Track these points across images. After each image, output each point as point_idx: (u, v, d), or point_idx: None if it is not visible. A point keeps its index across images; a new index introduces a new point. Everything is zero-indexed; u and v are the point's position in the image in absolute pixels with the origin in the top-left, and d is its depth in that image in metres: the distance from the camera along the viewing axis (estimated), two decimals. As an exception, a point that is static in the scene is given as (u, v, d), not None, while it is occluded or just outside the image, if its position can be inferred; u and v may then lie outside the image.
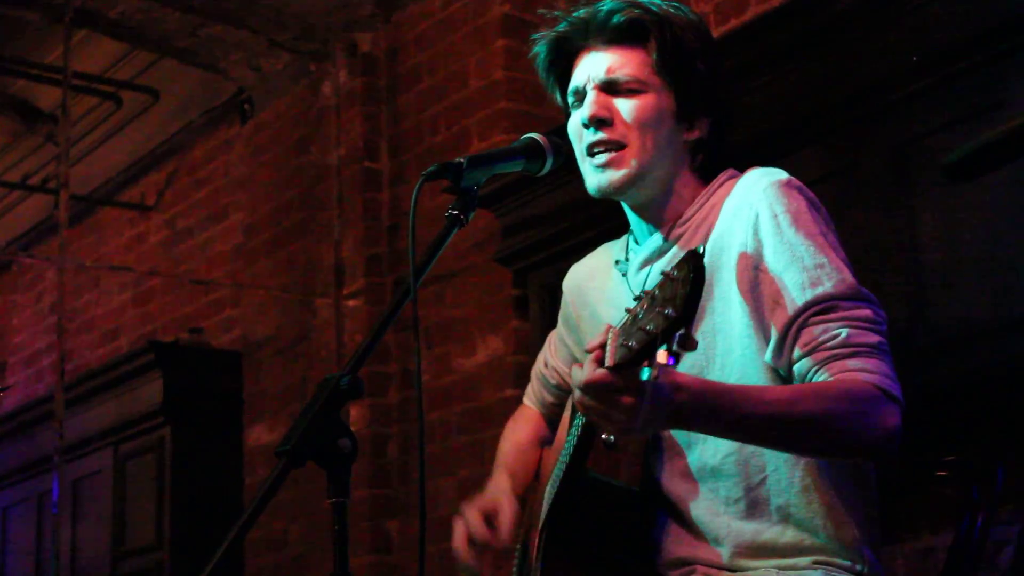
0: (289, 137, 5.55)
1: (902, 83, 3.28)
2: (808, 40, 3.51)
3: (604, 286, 2.21)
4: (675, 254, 2.06)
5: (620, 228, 2.28)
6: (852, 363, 1.87)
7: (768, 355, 1.95)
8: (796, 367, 1.92)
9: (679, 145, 2.09)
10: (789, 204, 1.97)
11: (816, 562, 1.99)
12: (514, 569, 2.17)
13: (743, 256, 1.97)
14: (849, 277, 1.93)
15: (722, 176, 2.13)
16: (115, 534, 5.97)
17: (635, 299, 1.71)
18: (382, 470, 4.94)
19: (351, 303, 5.12)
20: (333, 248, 5.22)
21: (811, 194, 2.02)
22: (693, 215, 2.09)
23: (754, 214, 1.97)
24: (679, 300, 1.61)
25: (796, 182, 2.02)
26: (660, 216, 2.11)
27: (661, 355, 1.61)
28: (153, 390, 5.82)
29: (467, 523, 2.19)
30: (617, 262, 2.19)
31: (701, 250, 1.65)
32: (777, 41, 3.57)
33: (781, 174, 2.03)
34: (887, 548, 3.11)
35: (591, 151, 2.08)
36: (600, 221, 3.77)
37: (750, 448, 1.96)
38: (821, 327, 1.90)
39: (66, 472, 5.70)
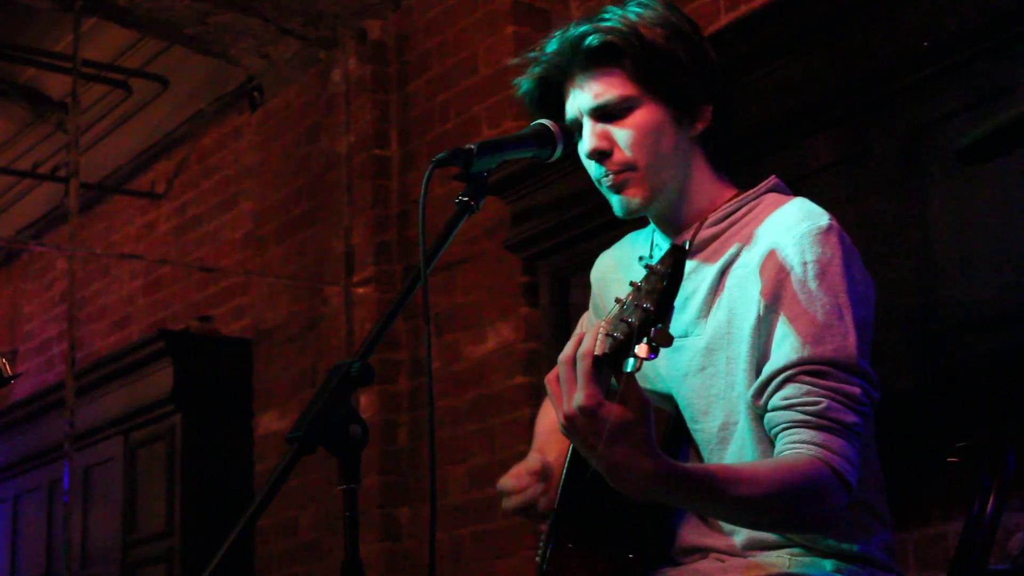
0: (299, 125, 5.54)
1: (913, 69, 3.27)
2: (819, 26, 3.50)
3: (627, 279, 2.19)
4: (706, 256, 2.06)
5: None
6: (820, 436, 1.86)
7: (750, 391, 1.95)
8: (769, 416, 1.92)
9: (686, 146, 2.07)
10: (822, 254, 1.94)
11: (829, 553, 1.99)
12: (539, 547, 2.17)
13: (763, 292, 1.96)
14: (853, 346, 1.91)
15: (765, 184, 2.10)
16: (126, 522, 5.99)
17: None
18: (392, 457, 4.94)
19: (361, 291, 5.12)
20: (343, 236, 5.21)
21: (848, 240, 1.99)
22: (726, 219, 2.06)
23: (784, 256, 1.95)
24: (656, 295, 1.62)
25: (836, 228, 1.98)
26: (683, 217, 2.10)
27: (642, 349, 1.61)
28: (163, 378, 5.83)
29: (502, 490, 2.18)
30: (641, 258, 2.18)
31: (687, 245, 1.65)
32: (788, 27, 3.56)
33: (822, 219, 1.98)
34: (898, 535, 3.11)
35: (601, 181, 2.08)
36: (610, 208, 3.76)
37: (768, 440, 1.96)
38: (807, 388, 1.89)
39: (77, 460, 5.71)
